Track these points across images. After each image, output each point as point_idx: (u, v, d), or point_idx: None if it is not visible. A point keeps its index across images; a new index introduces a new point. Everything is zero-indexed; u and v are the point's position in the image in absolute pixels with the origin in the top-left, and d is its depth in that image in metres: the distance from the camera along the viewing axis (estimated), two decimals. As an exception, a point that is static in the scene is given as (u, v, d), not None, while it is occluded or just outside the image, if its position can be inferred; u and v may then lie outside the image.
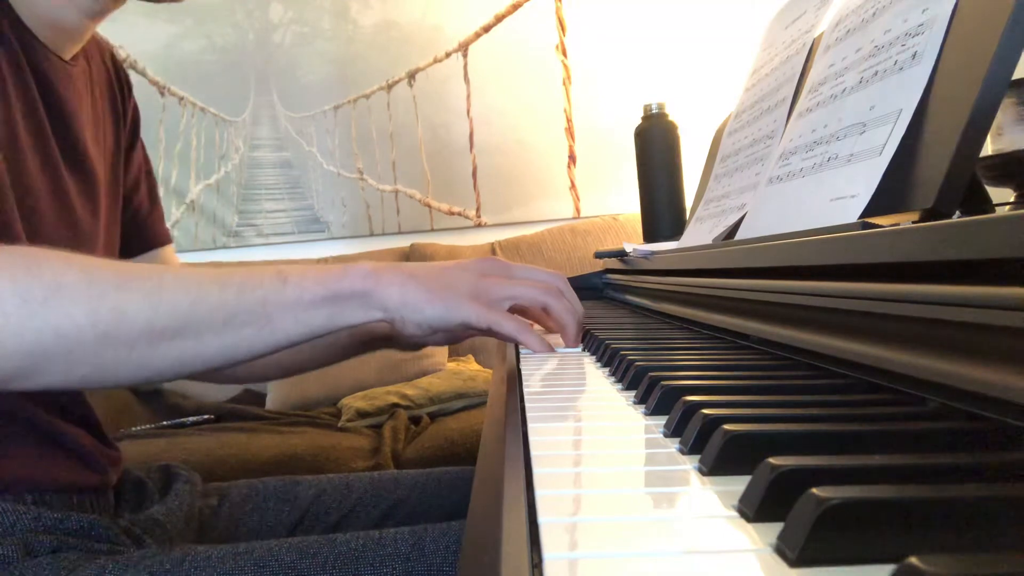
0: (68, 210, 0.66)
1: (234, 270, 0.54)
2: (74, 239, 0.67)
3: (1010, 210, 0.58)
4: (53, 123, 0.66)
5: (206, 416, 1.81)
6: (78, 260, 0.49)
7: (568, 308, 0.63)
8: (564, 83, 2.39)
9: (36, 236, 0.61)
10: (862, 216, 0.46)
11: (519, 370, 0.54)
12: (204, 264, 2.33)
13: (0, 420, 0.58)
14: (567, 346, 0.65)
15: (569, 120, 2.39)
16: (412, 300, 0.56)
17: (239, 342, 0.53)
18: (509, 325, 0.58)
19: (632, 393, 0.43)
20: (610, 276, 1.22)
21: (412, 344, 0.68)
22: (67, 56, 0.69)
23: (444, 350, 2.03)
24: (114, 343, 0.48)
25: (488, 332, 0.59)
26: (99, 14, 0.68)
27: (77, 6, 0.66)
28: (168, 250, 0.88)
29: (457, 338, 0.68)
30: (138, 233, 0.84)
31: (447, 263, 0.62)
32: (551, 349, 0.62)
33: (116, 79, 0.80)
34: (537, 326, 0.73)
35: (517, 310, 0.65)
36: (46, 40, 0.65)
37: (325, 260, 2.30)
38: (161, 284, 0.50)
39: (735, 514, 0.23)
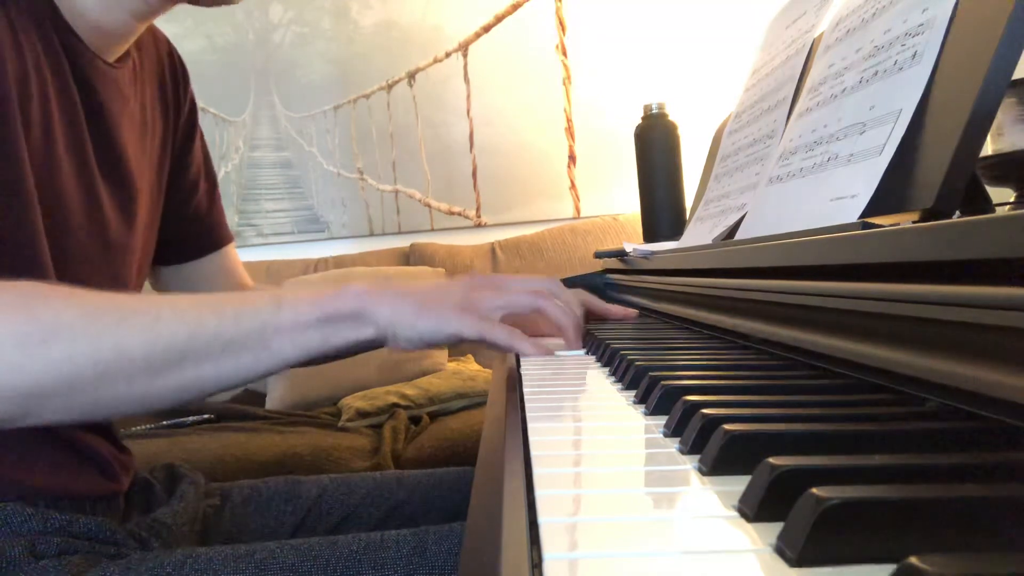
0: (101, 221, 0.66)
1: (229, 297, 0.54)
2: (105, 250, 0.66)
3: (1010, 210, 0.58)
4: (92, 131, 0.65)
5: (206, 416, 1.80)
6: (79, 297, 0.49)
7: (562, 309, 0.63)
8: (564, 83, 2.39)
9: (66, 248, 0.61)
10: (862, 216, 0.46)
11: (519, 370, 0.54)
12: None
13: (21, 430, 0.58)
14: (568, 348, 0.63)
15: (569, 120, 2.39)
16: (403, 316, 0.57)
17: (237, 368, 0.53)
18: (499, 333, 0.59)
19: (632, 393, 0.43)
20: (610, 276, 1.21)
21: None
22: (112, 58, 0.67)
23: (444, 350, 2.03)
24: (114, 379, 0.48)
25: (480, 341, 0.59)
26: (148, 15, 0.67)
27: (127, 7, 0.64)
28: (228, 250, 0.88)
29: (449, 345, 0.69)
30: (199, 235, 0.84)
31: (441, 281, 0.62)
32: (548, 352, 0.61)
33: (171, 73, 0.79)
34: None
35: (514, 320, 0.64)
36: (91, 42, 0.64)
37: (325, 260, 2.30)
38: (159, 317, 0.50)
39: (735, 514, 0.23)
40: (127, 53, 0.70)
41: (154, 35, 0.77)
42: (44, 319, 0.46)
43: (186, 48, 2.49)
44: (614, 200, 2.34)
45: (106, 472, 0.64)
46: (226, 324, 0.52)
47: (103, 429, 0.66)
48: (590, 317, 0.81)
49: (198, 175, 0.83)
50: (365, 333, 0.57)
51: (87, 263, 0.64)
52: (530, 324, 0.68)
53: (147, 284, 0.84)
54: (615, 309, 0.83)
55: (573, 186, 2.41)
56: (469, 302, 0.60)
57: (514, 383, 0.49)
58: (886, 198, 0.45)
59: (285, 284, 2.03)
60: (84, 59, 0.64)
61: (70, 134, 0.62)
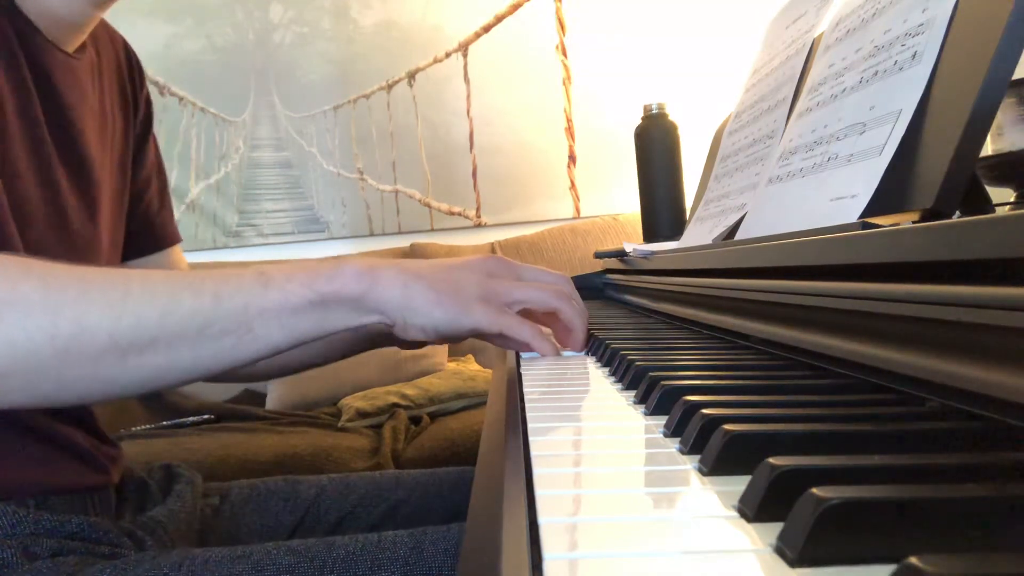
0: (61, 212, 0.64)
1: (210, 273, 0.50)
2: (66, 242, 0.65)
3: (1010, 210, 0.58)
4: (50, 120, 0.63)
5: (206, 416, 1.80)
6: (38, 269, 0.46)
7: (577, 312, 0.61)
8: (564, 83, 2.39)
9: (25, 240, 0.59)
10: (862, 216, 0.46)
11: (519, 370, 0.54)
12: (202, 264, 2.33)
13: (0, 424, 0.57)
14: (574, 351, 0.63)
15: (569, 120, 2.39)
16: (417, 303, 0.52)
17: (218, 353, 0.49)
18: (524, 330, 0.55)
19: (632, 393, 0.43)
20: (610, 276, 1.22)
21: (414, 344, 0.67)
22: (71, 48, 0.66)
23: (444, 350, 2.03)
24: (76, 359, 0.45)
25: (499, 337, 0.56)
26: (105, 3, 0.66)
27: None
28: (175, 251, 0.86)
29: (460, 339, 0.67)
30: (147, 232, 0.82)
31: (450, 261, 0.58)
32: (558, 353, 0.61)
33: (128, 69, 0.78)
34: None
35: (522, 312, 0.62)
36: (48, 31, 0.63)
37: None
38: (127, 293, 0.47)
39: (735, 514, 0.23)
40: (84, 45, 0.69)
41: (109, 31, 0.77)
42: None
43: (186, 48, 2.50)
44: (614, 200, 2.34)
45: (89, 463, 0.63)
46: (204, 303, 0.48)
47: (82, 422, 0.65)
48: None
49: (151, 173, 0.82)
50: (367, 319, 0.53)
51: (49, 255, 0.63)
52: (535, 318, 0.67)
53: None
54: None
55: (573, 186, 2.41)
56: (488, 292, 0.55)
57: (514, 383, 0.49)
58: (886, 198, 0.45)
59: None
60: (39, 48, 0.62)
61: (25, 122, 0.61)
